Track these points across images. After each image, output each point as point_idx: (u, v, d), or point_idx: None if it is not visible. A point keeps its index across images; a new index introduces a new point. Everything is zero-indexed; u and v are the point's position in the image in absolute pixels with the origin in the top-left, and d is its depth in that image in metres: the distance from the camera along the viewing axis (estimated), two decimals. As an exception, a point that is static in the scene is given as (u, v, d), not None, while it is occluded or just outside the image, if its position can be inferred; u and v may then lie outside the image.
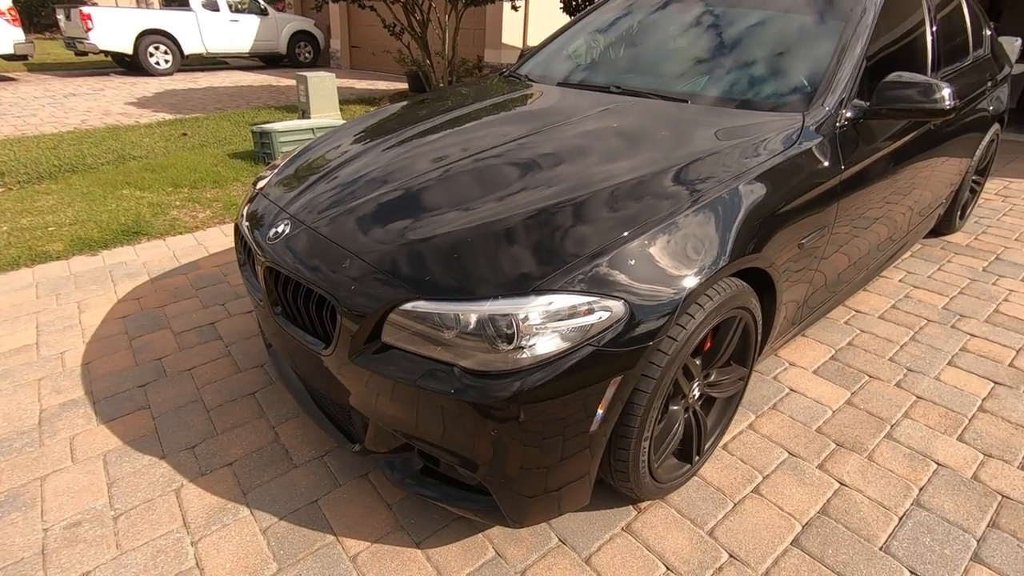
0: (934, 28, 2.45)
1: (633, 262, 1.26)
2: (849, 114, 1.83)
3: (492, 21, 9.66)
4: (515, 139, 1.73)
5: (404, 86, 9.85)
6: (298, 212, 1.58)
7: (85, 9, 9.77)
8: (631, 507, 1.63)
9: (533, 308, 1.18)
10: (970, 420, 1.96)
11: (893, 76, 1.81)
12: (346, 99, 8.16)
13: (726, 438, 1.87)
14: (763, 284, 1.63)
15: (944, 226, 3.31)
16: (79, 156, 4.94)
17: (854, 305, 2.68)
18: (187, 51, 10.97)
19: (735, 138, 1.64)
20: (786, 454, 1.81)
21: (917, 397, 2.07)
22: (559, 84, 2.37)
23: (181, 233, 3.50)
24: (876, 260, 2.35)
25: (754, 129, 1.70)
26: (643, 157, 1.54)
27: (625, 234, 1.29)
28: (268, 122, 5.53)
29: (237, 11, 11.60)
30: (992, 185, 4.42)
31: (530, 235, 1.30)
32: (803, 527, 1.57)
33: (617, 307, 1.22)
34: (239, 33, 11.65)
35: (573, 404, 1.21)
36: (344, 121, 5.00)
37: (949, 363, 2.26)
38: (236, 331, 2.49)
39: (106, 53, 10.31)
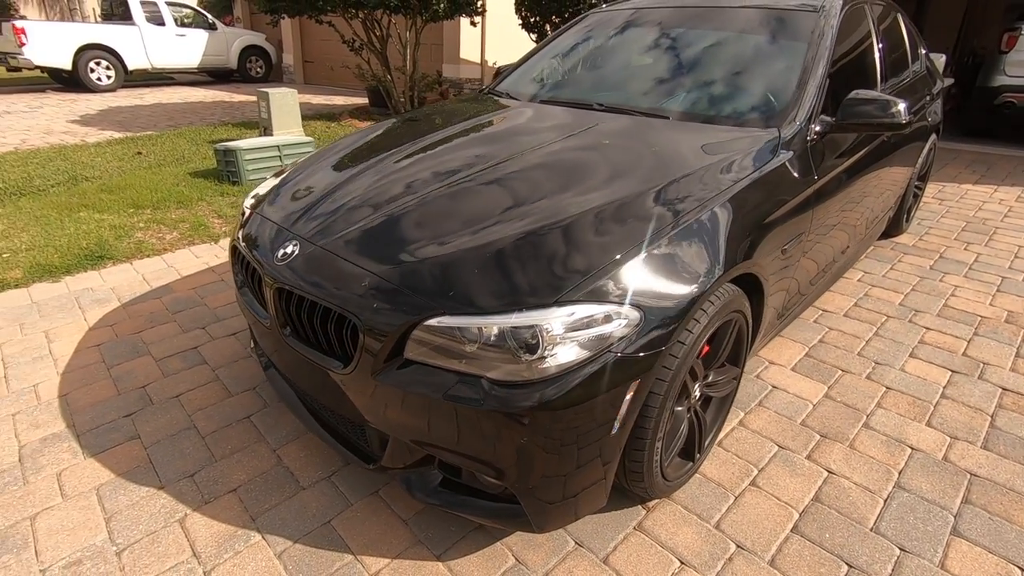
0: (880, 46, 2.67)
1: (646, 272, 1.34)
2: (817, 128, 1.98)
3: (450, 37, 9.75)
4: (514, 155, 1.79)
5: (362, 101, 9.79)
6: (305, 232, 1.58)
7: (19, 23, 9.28)
8: (640, 507, 1.69)
9: (556, 318, 1.24)
10: (935, 407, 2.13)
11: (854, 93, 1.98)
12: (304, 115, 8.03)
13: (720, 435, 1.96)
14: (751, 288, 1.74)
15: (892, 228, 3.57)
16: (25, 178, 4.69)
17: (821, 305, 2.86)
18: (131, 66, 10.56)
19: (722, 152, 1.75)
20: (776, 447, 1.92)
21: (887, 388, 2.23)
22: (542, 102, 2.45)
23: (149, 256, 3.38)
24: (842, 262, 2.52)
25: (738, 143, 1.81)
26: (641, 172, 1.63)
27: (637, 245, 1.36)
28: (230, 139, 5.41)
29: (183, 25, 11.28)
30: (929, 189, 4.79)
31: (548, 248, 1.36)
32: (800, 514, 1.67)
33: (633, 315, 1.28)
34: (186, 48, 11.32)
35: (596, 409, 1.27)
36: (307, 138, 4.96)
37: (911, 355, 2.45)
38: (222, 355, 2.43)
39: (42, 69, 9.81)
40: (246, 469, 1.83)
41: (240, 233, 1.82)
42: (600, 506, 1.47)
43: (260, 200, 1.93)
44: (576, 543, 1.58)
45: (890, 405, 2.14)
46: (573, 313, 1.24)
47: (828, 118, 2.01)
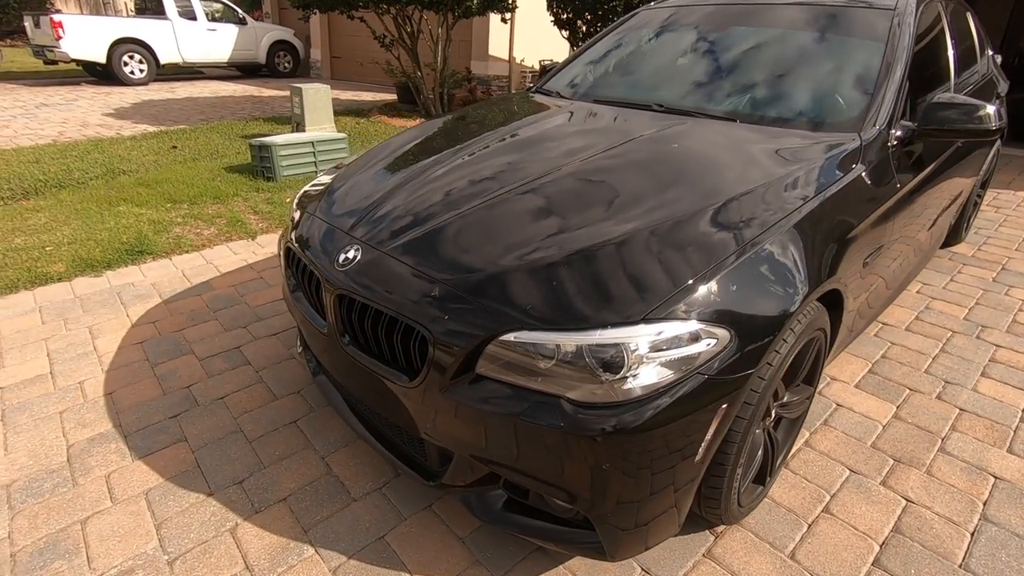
0: (953, 46, 2.53)
1: (735, 288, 1.25)
2: (899, 133, 1.86)
3: (479, 33, 9.67)
4: (581, 160, 1.71)
5: (390, 97, 9.77)
6: (367, 236, 1.52)
7: (56, 17, 9.43)
8: (707, 532, 1.60)
9: (643, 337, 1.15)
10: (1015, 431, 2.00)
11: (938, 97, 1.86)
12: (333, 111, 8.03)
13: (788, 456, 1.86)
14: (830, 303, 1.64)
15: (952, 237, 3.41)
16: (65, 170, 4.73)
17: (881, 318, 2.73)
18: (163, 60, 10.68)
19: (803, 159, 1.65)
20: (848, 471, 1.82)
21: (960, 409, 2.11)
22: (596, 102, 2.36)
23: (187, 251, 3.37)
24: (910, 273, 2.40)
25: (816, 149, 1.71)
26: (721, 180, 1.54)
27: (725, 260, 1.27)
28: (262, 135, 5.40)
29: (215, 20, 11.36)
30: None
31: (632, 261, 1.27)
32: (880, 547, 1.57)
33: (723, 334, 1.20)
34: (217, 42, 11.40)
35: (682, 434, 1.18)
36: (341, 134, 4.93)
37: (983, 374, 2.32)
38: (264, 356, 2.39)
39: (77, 62, 9.96)
40: (295, 477, 1.78)
41: (294, 235, 1.77)
42: (673, 533, 1.39)
43: (313, 200, 1.87)
44: (643, 570, 1.50)
45: (966, 428, 2.01)
46: (661, 332, 1.16)
47: (908, 123, 1.90)
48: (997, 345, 2.52)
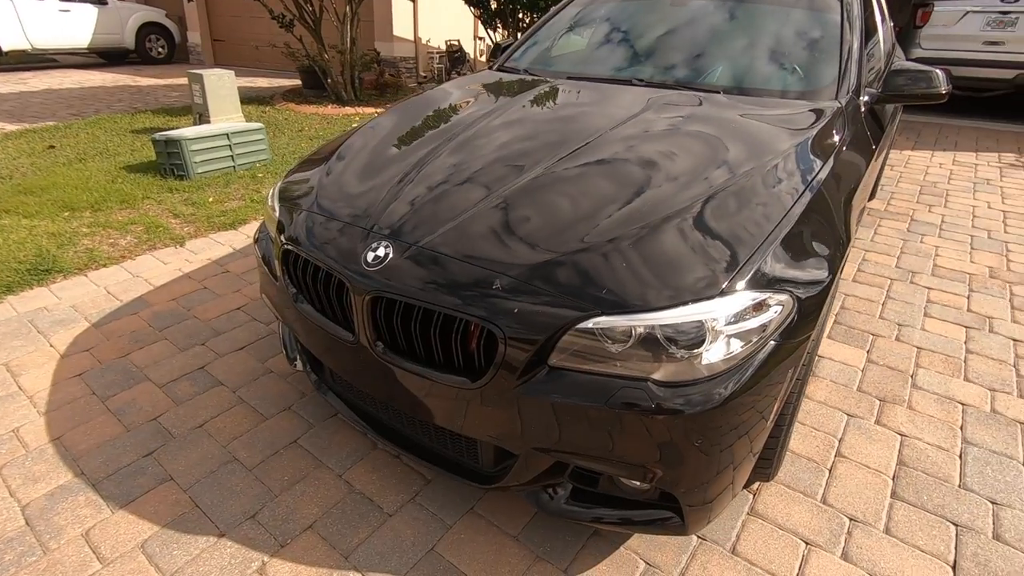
0: (882, 16, 2.76)
1: (791, 254, 1.28)
2: (865, 99, 2.00)
3: (381, 13, 9.22)
4: (596, 137, 1.66)
5: (289, 82, 9.09)
6: (395, 230, 1.38)
7: None
8: (745, 492, 1.67)
9: (721, 310, 1.15)
10: (965, 362, 2.27)
11: (897, 65, 2.02)
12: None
13: (791, 409, 1.98)
14: None
15: (872, 193, 3.78)
16: (-88, 181, 3.94)
17: (829, 272, 2.97)
18: (5, 47, 9.18)
19: (802, 124, 1.72)
20: (846, 416, 1.96)
21: (918, 348, 2.35)
22: (571, 78, 2.31)
23: (105, 265, 2.94)
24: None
25: (809, 116, 1.79)
26: (742, 150, 1.56)
27: (779, 226, 1.30)
28: (161, 128, 4.82)
29: (67, -1, 9.92)
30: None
31: (694, 236, 1.26)
32: (893, 480, 1.71)
33: (787, 300, 1.23)
34: (72, 25, 9.97)
35: (760, 400, 1.20)
36: (256, 124, 4.52)
37: (926, 314, 2.59)
38: (237, 373, 2.15)
39: None
40: (316, 501, 1.62)
41: (286, 235, 1.58)
42: (732, 498, 1.42)
43: (303, 195, 1.68)
44: (699, 538, 1.53)
45: (928, 364, 2.25)
46: (736, 304, 1.16)
47: (872, 90, 2.04)
48: (929, 288, 2.83)
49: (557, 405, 1.17)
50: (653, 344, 1.14)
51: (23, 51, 9.52)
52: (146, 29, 11.05)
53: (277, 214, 1.69)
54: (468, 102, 2.09)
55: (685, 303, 1.15)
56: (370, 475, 1.71)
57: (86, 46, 10.29)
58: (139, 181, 4.05)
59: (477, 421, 1.28)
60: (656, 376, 1.14)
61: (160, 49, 11.42)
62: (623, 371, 1.15)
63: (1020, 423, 1.95)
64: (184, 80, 9.07)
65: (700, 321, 1.14)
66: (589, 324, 1.15)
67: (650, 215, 1.31)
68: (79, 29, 10.07)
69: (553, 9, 2.83)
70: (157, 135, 4.10)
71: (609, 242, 1.25)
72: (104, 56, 11.20)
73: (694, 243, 1.25)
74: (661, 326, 1.14)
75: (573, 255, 1.23)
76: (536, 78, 2.36)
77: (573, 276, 1.20)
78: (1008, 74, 6.19)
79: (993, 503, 1.64)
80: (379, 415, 1.61)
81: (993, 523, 1.58)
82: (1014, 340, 2.41)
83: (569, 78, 2.32)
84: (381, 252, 1.34)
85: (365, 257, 1.35)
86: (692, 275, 1.19)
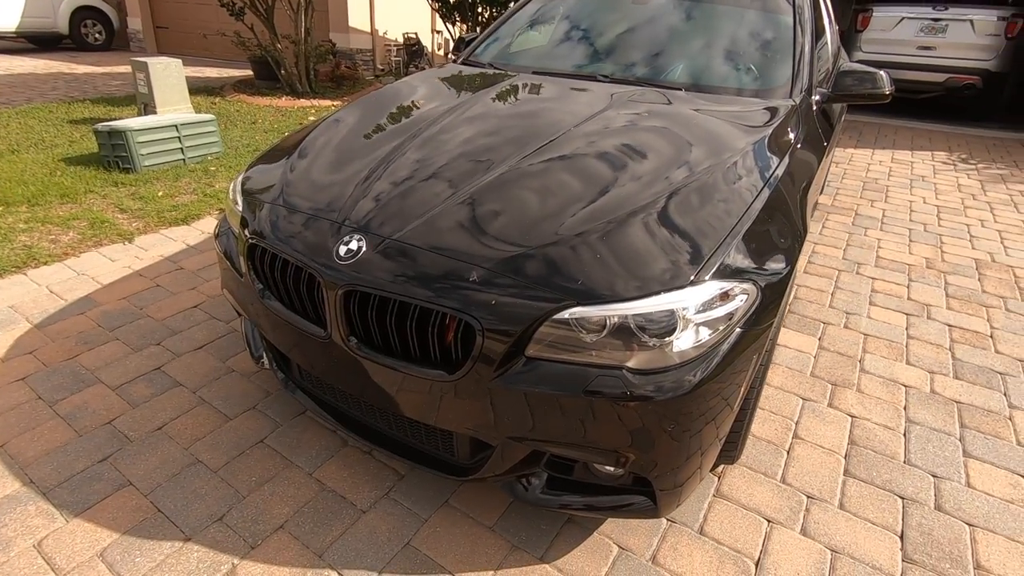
0: (829, 17, 2.89)
1: (752, 246, 1.33)
2: (816, 98, 2.10)
3: (336, 3, 9.00)
4: (563, 132, 1.68)
5: (239, 73, 8.77)
6: (367, 223, 1.37)
7: None
8: (710, 474, 1.73)
9: (691, 300, 1.19)
10: (906, 347, 2.42)
11: (846, 66, 2.13)
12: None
13: (751, 395, 2.07)
14: None
15: (816, 190, 3.96)
16: None
17: (782, 264, 3.10)
18: (-79, 29, 8.49)
19: (757, 121, 1.79)
20: (801, 400, 2.07)
21: (864, 334, 2.49)
22: (535, 72, 2.33)
23: (46, 263, 2.77)
24: (810, 223, 2.75)
25: (764, 114, 1.86)
26: (704, 146, 1.62)
27: (741, 219, 1.35)
28: (101, 119, 4.58)
29: (-9, -21, 9.23)
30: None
31: (663, 228, 1.30)
32: (845, 459, 1.81)
33: (751, 289, 1.28)
34: (-2, 8, 9.30)
35: (728, 386, 1.25)
36: (207, 116, 4.36)
37: (871, 303, 2.75)
38: (197, 373, 2.08)
39: None
40: (286, 501, 1.59)
41: (254, 229, 1.53)
42: (701, 480, 1.48)
43: (267, 188, 1.63)
44: (668, 520, 1.58)
45: (873, 349, 2.39)
46: (705, 293, 1.21)
47: (823, 89, 2.14)
48: (873, 278, 3.00)
49: (535, 394, 1.18)
50: (626, 333, 1.17)
51: (-59, 34, 8.82)
52: (81, 14, 10.40)
53: (240, 208, 1.64)
54: (435, 96, 2.08)
55: (657, 293, 1.18)
56: (341, 472, 1.69)
57: (13, 30, 9.62)
58: (80, 174, 3.83)
59: (454, 413, 1.28)
60: (630, 364, 1.18)
61: (97, 35, 10.78)
62: (597, 360, 1.18)
63: (956, 402, 2.09)
64: (125, 68, 8.62)
65: (671, 310, 1.18)
66: (565, 315, 1.17)
67: (619, 209, 1.34)
68: (5, 12, 9.40)
69: (517, 4, 2.84)
70: (99, 125, 3.89)
71: (581, 236, 1.27)
72: (34, 41, 10.50)
73: (663, 236, 1.29)
74: (634, 315, 1.17)
75: (547, 248, 1.25)
76: (500, 72, 2.37)
77: (548, 269, 1.21)
78: (939, 78, 6.60)
79: (934, 476, 1.76)
80: (350, 411, 1.59)
81: (935, 495, 1.70)
82: (949, 326, 2.59)
83: (534, 72, 2.33)
84: (354, 246, 1.32)
85: (337, 251, 1.33)
86: (662, 267, 1.23)
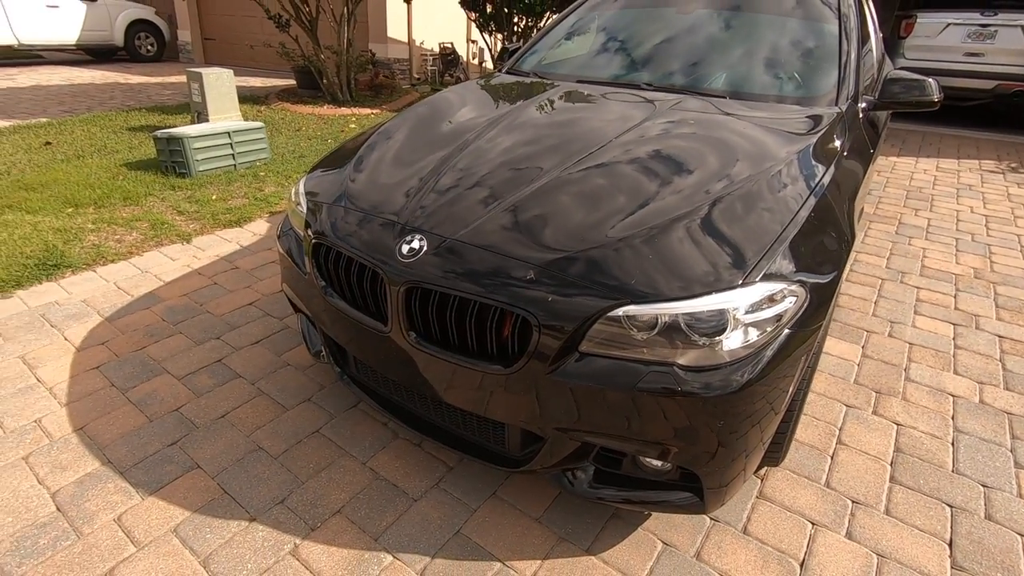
0: (874, 24, 2.88)
1: (802, 250, 1.36)
2: (863, 105, 2.10)
3: (376, 14, 9.26)
4: (609, 140, 1.74)
5: (282, 82, 9.08)
6: (427, 223, 1.45)
7: None
8: (753, 476, 1.75)
9: (740, 300, 1.23)
10: (954, 357, 2.38)
11: (892, 74, 2.13)
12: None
13: (793, 401, 2.07)
14: None
15: (858, 198, 3.91)
16: (-92, 176, 3.91)
17: (823, 272, 3.08)
18: (-8, 42, 9.05)
19: (804, 128, 1.82)
20: (845, 407, 2.06)
21: (909, 344, 2.46)
22: (579, 81, 2.39)
23: (113, 261, 2.95)
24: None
25: (809, 121, 1.88)
26: (753, 151, 1.65)
27: (794, 221, 1.38)
28: (159, 127, 4.82)
29: (55, -5, 9.79)
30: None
31: (717, 230, 1.34)
32: (891, 466, 1.81)
33: (800, 291, 1.31)
34: (61, 21, 9.85)
35: (777, 386, 1.28)
36: (257, 123, 4.54)
37: (916, 312, 2.71)
38: (255, 366, 2.19)
39: None
40: (342, 487, 1.67)
41: (318, 229, 1.63)
42: (746, 480, 1.50)
43: (330, 190, 1.73)
44: (712, 519, 1.61)
45: (919, 359, 2.36)
46: (756, 294, 1.24)
47: (869, 97, 2.15)
48: (918, 287, 2.95)
49: (587, 388, 1.24)
50: (676, 332, 1.22)
51: (9, 47, 9.39)
52: (135, 27, 10.95)
53: (304, 210, 1.75)
54: (483, 105, 2.16)
55: (708, 293, 1.23)
56: (393, 463, 1.76)
57: (74, 43, 10.17)
58: (140, 178, 4.05)
59: (507, 406, 1.35)
60: (681, 361, 1.22)
61: (149, 47, 11.32)
62: (649, 356, 1.23)
63: (1008, 413, 2.06)
64: (176, 78, 9.03)
65: (722, 310, 1.22)
66: (618, 312, 1.22)
67: (668, 215, 1.39)
68: (67, 25, 9.95)
69: (560, 14, 2.91)
70: (159, 133, 4.11)
71: (631, 239, 1.32)
72: (92, 53, 11.09)
73: (714, 239, 1.33)
74: (684, 315, 1.21)
75: (600, 250, 1.30)
76: (545, 81, 2.44)
77: (601, 269, 1.27)
78: (988, 84, 6.42)
79: (984, 486, 1.74)
80: (404, 404, 1.66)
81: (985, 504, 1.68)
82: (999, 336, 2.54)
83: (579, 81, 2.40)
84: (416, 245, 1.40)
85: (400, 249, 1.41)
86: (713, 268, 1.27)
